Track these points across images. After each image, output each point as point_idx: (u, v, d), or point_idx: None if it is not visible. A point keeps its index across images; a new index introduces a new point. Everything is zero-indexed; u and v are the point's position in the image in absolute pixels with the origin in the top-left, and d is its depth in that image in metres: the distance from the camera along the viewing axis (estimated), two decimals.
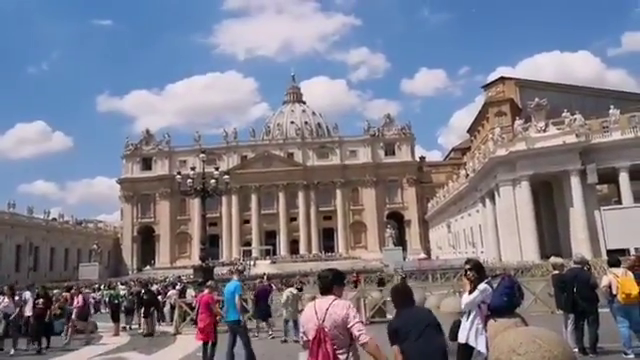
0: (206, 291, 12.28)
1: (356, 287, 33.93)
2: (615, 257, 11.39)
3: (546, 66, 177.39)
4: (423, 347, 4.92)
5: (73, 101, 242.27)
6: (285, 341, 15.33)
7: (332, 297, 4.70)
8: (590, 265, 14.78)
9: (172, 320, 20.11)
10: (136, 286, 24.97)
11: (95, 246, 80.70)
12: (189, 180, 30.69)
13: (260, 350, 12.15)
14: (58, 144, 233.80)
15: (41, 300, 15.90)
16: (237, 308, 11.04)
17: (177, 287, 24.87)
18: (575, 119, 48.59)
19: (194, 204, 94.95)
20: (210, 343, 11.42)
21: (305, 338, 4.72)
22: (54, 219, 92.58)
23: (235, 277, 12.08)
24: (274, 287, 21.92)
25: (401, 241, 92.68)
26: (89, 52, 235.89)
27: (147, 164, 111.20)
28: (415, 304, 5.57)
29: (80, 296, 17.81)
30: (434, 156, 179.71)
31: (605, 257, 34.05)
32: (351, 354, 4.63)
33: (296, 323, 14.65)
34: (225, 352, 10.90)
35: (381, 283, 35.41)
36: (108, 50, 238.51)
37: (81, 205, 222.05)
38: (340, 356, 4.46)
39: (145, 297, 19.65)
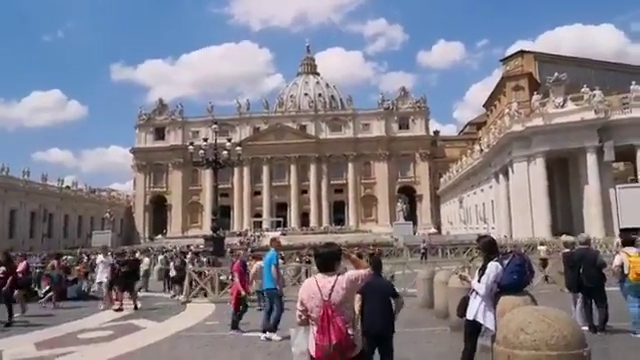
0: (238, 261, 13.59)
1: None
2: (629, 236, 11.22)
3: (567, 40, 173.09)
4: (376, 306, 6.48)
5: (88, 70, 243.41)
6: (260, 309, 15.64)
7: (335, 274, 4.62)
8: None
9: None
10: (178, 257, 25.69)
11: (108, 214, 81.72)
12: (201, 151, 30.78)
13: (220, 313, 13.65)
14: (73, 113, 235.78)
15: (2, 268, 14.59)
16: (273, 277, 11.49)
17: (188, 256, 25.13)
18: (594, 95, 47.58)
19: (206, 175, 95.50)
20: (239, 309, 12.37)
21: (303, 316, 4.64)
22: (68, 187, 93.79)
23: (272, 248, 12.31)
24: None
25: (412, 216, 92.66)
26: (104, 21, 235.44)
27: (160, 134, 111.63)
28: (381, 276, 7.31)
29: (24, 262, 17.23)
30: (449, 130, 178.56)
31: (618, 236, 33.83)
32: (357, 327, 4.61)
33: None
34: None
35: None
36: (123, 19, 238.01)
37: (95, 173, 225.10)
38: (349, 330, 4.43)
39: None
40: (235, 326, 12.24)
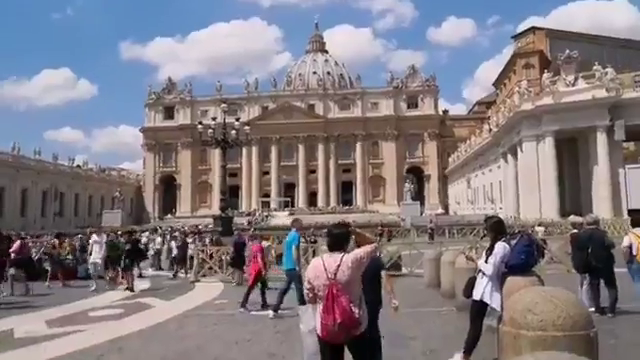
0: (256, 241, 13.98)
1: (389, 240, 34.73)
2: (639, 217, 11.13)
3: (580, 16, 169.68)
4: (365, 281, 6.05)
5: (97, 48, 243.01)
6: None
7: (341, 253, 4.64)
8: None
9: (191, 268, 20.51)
10: (179, 236, 25.63)
11: (118, 193, 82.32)
12: (210, 130, 30.82)
13: (240, 294, 13.20)
14: (83, 91, 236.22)
15: None
16: (293, 257, 11.67)
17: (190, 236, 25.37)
18: (606, 72, 46.82)
19: (215, 154, 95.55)
20: (250, 287, 12.71)
21: (311, 294, 4.69)
22: (79, 166, 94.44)
23: (294, 228, 12.42)
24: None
25: (419, 196, 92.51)
26: None
27: (169, 113, 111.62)
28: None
29: (18, 242, 17.33)
30: (458, 109, 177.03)
31: (626, 216, 33.65)
32: (363, 306, 4.66)
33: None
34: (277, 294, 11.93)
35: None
36: None
37: (106, 153, 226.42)
38: (354, 309, 4.45)
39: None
40: (244, 304, 12.36)
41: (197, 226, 45.70)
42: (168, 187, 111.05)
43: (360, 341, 4.58)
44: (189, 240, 22.88)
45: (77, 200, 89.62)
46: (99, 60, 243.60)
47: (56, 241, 20.76)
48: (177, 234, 28.08)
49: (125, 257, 17.17)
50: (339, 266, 4.52)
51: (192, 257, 20.73)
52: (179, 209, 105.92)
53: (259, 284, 12.82)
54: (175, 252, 22.39)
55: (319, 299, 4.57)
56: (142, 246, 22.99)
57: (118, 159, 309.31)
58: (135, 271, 19.01)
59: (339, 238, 4.80)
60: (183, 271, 21.56)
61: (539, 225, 31.24)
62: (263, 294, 12.70)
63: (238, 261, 17.95)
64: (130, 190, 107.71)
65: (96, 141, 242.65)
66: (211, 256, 19.88)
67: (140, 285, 17.95)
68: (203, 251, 20.14)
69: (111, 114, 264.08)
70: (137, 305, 13.84)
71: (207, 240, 23.04)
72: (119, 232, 26.32)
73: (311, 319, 4.75)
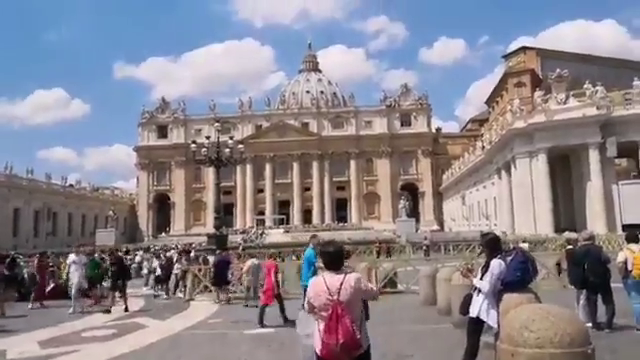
0: (270, 259, 14.24)
1: (378, 256, 34.72)
2: (633, 232, 11.18)
3: (569, 36, 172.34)
4: None
5: (90, 68, 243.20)
6: (247, 305, 16.46)
7: (342, 272, 4.64)
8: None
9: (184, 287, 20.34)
10: (163, 255, 25.11)
11: (111, 212, 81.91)
12: (204, 149, 30.83)
13: (233, 313, 13.77)
14: (76, 111, 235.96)
15: None
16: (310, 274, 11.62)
17: (192, 254, 25.00)
18: (597, 91, 47.43)
19: (209, 172, 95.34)
20: (265, 305, 12.69)
21: (309, 308, 4.67)
22: (71, 185, 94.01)
23: (311, 244, 12.45)
24: (233, 258, 22.65)
25: (414, 212, 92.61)
26: (106, 19, 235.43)
27: (163, 132, 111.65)
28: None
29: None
30: (451, 127, 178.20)
31: (620, 232, 33.77)
32: (364, 327, 4.67)
33: (256, 290, 16.50)
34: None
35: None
36: (125, 17, 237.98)
37: (99, 172, 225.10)
38: (356, 330, 4.45)
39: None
40: (261, 321, 12.42)
41: (191, 244, 45.39)
42: (162, 205, 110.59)
43: None
44: (175, 258, 22.22)
45: (70, 219, 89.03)
46: (92, 80, 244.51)
47: (36, 261, 19.95)
48: (161, 253, 27.63)
49: (110, 277, 16.78)
50: (342, 285, 4.51)
51: (176, 276, 20.47)
52: (173, 227, 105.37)
53: (276, 302, 12.90)
54: (159, 271, 21.84)
55: (319, 318, 4.54)
56: (134, 264, 22.72)
57: (111, 178, 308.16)
58: (128, 290, 18.41)
59: (336, 256, 4.78)
60: (164, 290, 21.11)
61: (523, 242, 31.20)
62: (282, 311, 12.70)
63: (220, 280, 18.16)
64: (124, 209, 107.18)
65: (89, 160, 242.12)
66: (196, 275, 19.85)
67: (132, 305, 17.75)
68: (186, 270, 19.88)
69: (104, 133, 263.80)
70: (131, 325, 13.68)
71: (194, 257, 22.27)
72: (103, 251, 25.41)
73: (310, 324, 4.74)
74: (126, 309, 16.16)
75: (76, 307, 16.30)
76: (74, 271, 16.73)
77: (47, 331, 12.94)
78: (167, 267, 21.21)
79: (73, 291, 16.61)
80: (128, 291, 17.34)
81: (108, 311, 15.86)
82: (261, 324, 12.35)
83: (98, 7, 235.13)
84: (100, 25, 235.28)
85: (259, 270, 17.39)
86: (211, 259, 21.26)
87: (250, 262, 17.61)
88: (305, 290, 11.63)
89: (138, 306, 17.71)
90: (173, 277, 20.79)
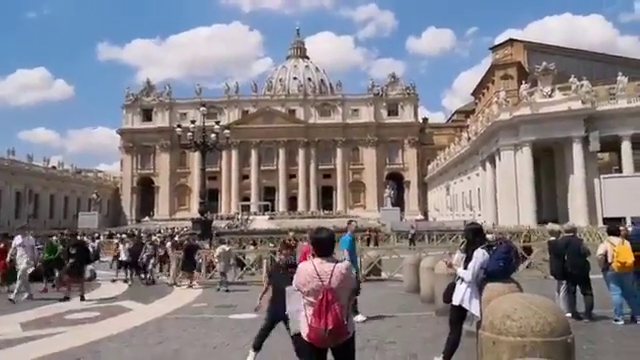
0: (305, 243, 14.12)
1: (368, 244, 34.90)
2: (614, 225, 11.40)
3: (556, 29, 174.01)
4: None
5: (74, 48, 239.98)
6: (218, 289, 16.79)
7: (333, 260, 4.67)
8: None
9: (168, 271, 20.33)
10: (133, 239, 23.79)
11: (94, 195, 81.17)
12: (189, 133, 30.54)
13: (218, 298, 13.69)
14: (59, 92, 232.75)
15: None
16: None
17: (176, 238, 24.80)
18: (582, 85, 48.00)
19: (194, 157, 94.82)
20: None
21: (298, 291, 4.69)
22: (54, 167, 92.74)
23: (349, 231, 12.11)
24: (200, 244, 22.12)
25: (399, 202, 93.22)
26: None
27: (147, 115, 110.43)
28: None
29: None
30: (437, 118, 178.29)
31: (601, 225, 34.38)
32: (350, 314, 4.74)
33: (225, 275, 17.30)
34: None
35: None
36: None
37: (82, 154, 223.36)
38: (344, 317, 4.51)
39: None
40: None
41: (173, 229, 45.31)
42: (146, 190, 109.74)
43: (346, 347, 4.63)
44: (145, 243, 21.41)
45: (52, 202, 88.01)
46: (76, 60, 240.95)
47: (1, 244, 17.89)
48: (125, 237, 26.41)
49: (69, 262, 15.30)
50: (333, 272, 4.54)
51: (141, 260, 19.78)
52: (157, 212, 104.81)
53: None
54: (123, 256, 20.39)
55: (307, 304, 4.58)
56: (91, 248, 21.95)
57: (95, 161, 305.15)
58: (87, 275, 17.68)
59: (328, 243, 4.77)
60: (129, 276, 20.06)
61: (489, 233, 31.50)
62: None
63: (188, 265, 18.43)
64: (107, 192, 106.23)
65: (72, 142, 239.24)
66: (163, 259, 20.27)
67: (113, 290, 17.67)
68: (155, 255, 20.03)
69: (88, 115, 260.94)
70: (114, 308, 13.63)
71: (168, 244, 21.59)
72: (64, 233, 24.01)
73: (298, 300, 4.77)
74: (82, 297, 14.79)
75: (20, 294, 14.67)
76: (20, 255, 15.04)
77: (26, 314, 12.83)
78: (135, 252, 19.91)
79: (18, 276, 14.92)
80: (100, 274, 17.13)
81: (67, 298, 14.82)
82: None
83: None
84: (84, 4, 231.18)
85: (230, 256, 18.27)
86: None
87: (220, 248, 18.01)
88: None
89: (120, 290, 17.63)
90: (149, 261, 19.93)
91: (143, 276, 19.83)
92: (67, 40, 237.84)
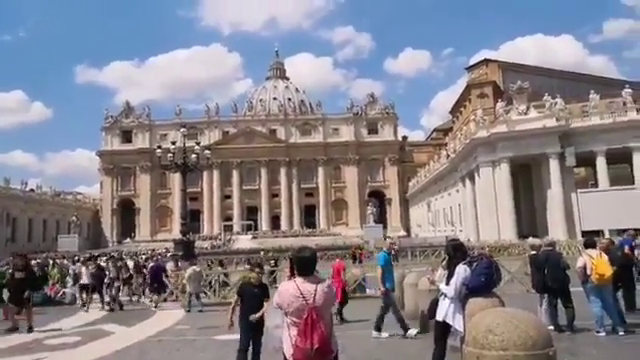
0: (338, 260, 15.39)
1: (354, 262, 34.82)
2: (591, 239, 11.66)
3: (529, 49, 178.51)
4: (252, 305, 7.83)
5: (51, 71, 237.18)
6: (189, 311, 16.85)
7: (316, 278, 4.70)
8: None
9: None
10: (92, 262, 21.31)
11: (74, 218, 79.78)
12: (169, 154, 30.39)
13: (201, 319, 13.74)
14: (37, 115, 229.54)
15: None
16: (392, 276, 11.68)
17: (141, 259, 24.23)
18: (556, 103, 49.10)
19: (175, 178, 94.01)
20: (339, 303, 13.08)
21: (282, 312, 4.70)
22: (32, 190, 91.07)
23: (385, 248, 12.51)
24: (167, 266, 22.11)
25: (382, 219, 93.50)
26: (67, 20, 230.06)
27: (127, 137, 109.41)
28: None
29: None
30: (416, 136, 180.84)
31: (580, 238, 34.94)
32: (334, 333, 4.74)
33: (198, 296, 17.42)
34: None
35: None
36: (87, 19, 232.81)
37: (61, 177, 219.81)
38: (329, 335, 4.54)
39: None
40: (341, 316, 13.20)
41: (153, 250, 44.82)
42: (127, 211, 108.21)
43: None
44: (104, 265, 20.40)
45: (31, 225, 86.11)
46: (54, 83, 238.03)
47: None
48: (87, 259, 23.49)
49: (13, 287, 13.99)
50: (316, 291, 4.56)
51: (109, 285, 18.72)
52: (138, 233, 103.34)
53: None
54: (85, 279, 18.90)
55: (291, 323, 4.59)
56: (71, 271, 21.33)
57: (74, 183, 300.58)
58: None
59: (310, 262, 4.79)
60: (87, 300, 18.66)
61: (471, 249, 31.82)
62: (341, 309, 13.37)
63: (155, 286, 18.50)
64: (87, 214, 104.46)
65: (50, 165, 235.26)
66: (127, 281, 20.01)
67: (93, 314, 17.31)
68: (118, 277, 19.10)
69: (67, 138, 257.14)
70: (96, 332, 13.40)
71: (131, 265, 21.31)
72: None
73: (277, 316, 4.79)
74: (30, 328, 13.39)
75: None
76: None
77: (4, 339, 12.53)
78: (97, 275, 18.62)
79: None
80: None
81: (15, 328, 13.59)
82: (341, 319, 13.05)
83: (58, 8, 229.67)
84: (61, 27, 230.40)
85: (200, 277, 18.23)
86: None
87: (191, 269, 17.95)
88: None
89: (100, 314, 17.31)
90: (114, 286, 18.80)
91: (108, 300, 18.55)
92: (44, 63, 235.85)
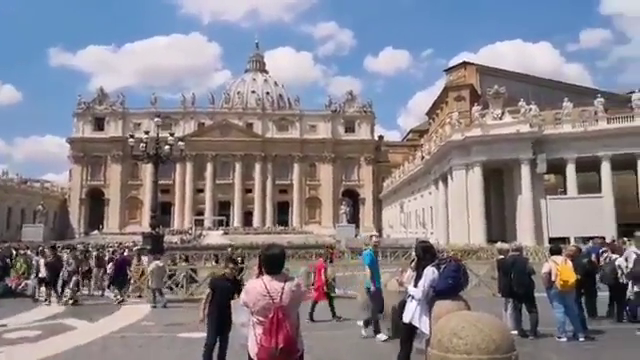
0: (321, 259, 15.27)
1: (332, 262, 34.70)
2: (557, 245, 11.86)
3: (507, 54, 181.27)
4: (224, 302, 7.81)
5: (23, 53, 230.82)
6: (154, 307, 16.64)
7: (284, 276, 4.63)
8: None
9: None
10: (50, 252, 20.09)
11: (40, 207, 77.95)
12: (142, 144, 29.75)
13: (167, 316, 13.46)
14: (6, 98, 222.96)
15: None
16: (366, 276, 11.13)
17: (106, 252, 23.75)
18: (530, 109, 49.98)
19: (147, 169, 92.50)
20: (316, 302, 13.50)
21: (248, 310, 4.62)
22: None
23: (370, 246, 11.98)
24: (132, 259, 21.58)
25: (355, 218, 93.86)
26: (42, 1, 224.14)
27: (99, 124, 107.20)
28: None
29: None
30: (393, 136, 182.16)
31: (547, 244, 35.67)
32: (300, 332, 4.68)
33: (161, 292, 17.23)
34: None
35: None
36: (63, 1, 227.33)
37: (29, 163, 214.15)
38: (295, 335, 4.48)
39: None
40: (312, 317, 13.12)
41: (120, 243, 44.10)
42: (95, 202, 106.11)
43: None
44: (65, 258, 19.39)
45: None
46: (26, 66, 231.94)
47: None
48: (47, 250, 22.33)
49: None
50: (283, 289, 4.49)
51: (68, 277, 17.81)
52: (107, 225, 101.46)
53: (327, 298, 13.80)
54: (43, 272, 18.11)
55: (257, 322, 4.51)
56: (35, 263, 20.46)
57: (42, 170, 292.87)
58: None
59: (278, 260, 4.72)
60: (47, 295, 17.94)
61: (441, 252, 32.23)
62: (332, 307, 13.68)
63: (118, 279, 18.41)
64: (54, 203, 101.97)
65: (19, 150, 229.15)
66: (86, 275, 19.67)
67: (56, 307, 16.81)
68: (78, 271, 18.33)
69: (36, 123, 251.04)
70: (57, 326, 13.05)
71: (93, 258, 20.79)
72: None
73: (244, 314, 4.72)
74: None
75: None
76: None
77: None
78: (52, 266, 17.73)
79: None
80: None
81: None
82: (311, 319, 12.95)
83: None
84: (34, 8, 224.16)
85: (164, 272, 18.04)
86: (144, 259, 20.76)
87: (154, 264, 17.67)
88: (370, 293, 10.90)
89: (62, 308, 16.87)
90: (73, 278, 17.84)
91: (64, 294, 17.68)
92: (16, 45, 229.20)
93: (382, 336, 10.51)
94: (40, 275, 18.36)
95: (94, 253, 22.50)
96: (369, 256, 11.26)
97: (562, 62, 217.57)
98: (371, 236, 13.44)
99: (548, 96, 78.89)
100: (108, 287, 20.59)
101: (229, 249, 22.87)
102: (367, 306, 11.09)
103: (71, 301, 17.37)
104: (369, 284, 11.04)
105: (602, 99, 49.08)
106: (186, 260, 25.88)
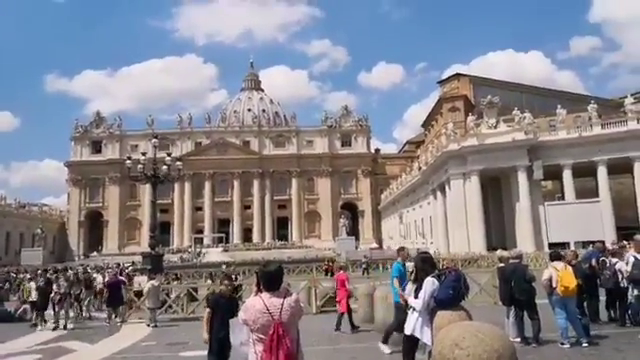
0: (341, 271, 15.22)
1: (326, 275, 34.69)
2: (557, 251, 11.83)
3: (499, 64, 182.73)
4: (222, 319, 7.50)
5: (20, 80, 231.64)
6: (156, 326, 16.59)
7: (282, 293, 4.62)
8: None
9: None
10: (41, 275, 20.31)
11: (39, 230, 77.59)
12: (140, 165, 29.81)
13: (168, 336, 13.48)
14: (4, 124, 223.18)
15: None
16: (396, 289, 10.43)
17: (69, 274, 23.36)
18: (525, 117, 50.23)
19: (145, 189, 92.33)
20: (343, 313, 13.60)
21: (247, 328, 4.61)
22: None
23: (399, 258, 11.36)
24: (125, 280, 21.37)
25: (354, 231, 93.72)
26: (37, 29, 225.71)
27: (97, 147, 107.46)
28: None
29: None
30: (389, 149, 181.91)
31: (547, 250, 35.64)
32: (300, 348, 4.68)
33: (155, 312, 17.12)
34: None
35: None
36: (58, 28, 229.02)
37: (27, 187, 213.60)
38: (295, 351, 4.47)
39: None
40: (338, 328, 13.34)
41: (119, 264, 43.89)
42: (94, 223, 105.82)
43: None
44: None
45: None
46: (23, 92, 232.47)
47: None
48: (40, 272, 22.61)
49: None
50: (282, 306, 4.49)
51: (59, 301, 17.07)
52: (106, 246, 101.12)
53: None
54: (34, 296, 17.92)
55: (257, 339, 4.50)
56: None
57: (41, 194, 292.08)
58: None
59: (277, 276, 4.70)
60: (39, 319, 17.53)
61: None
62: (350, 318, 13.71)
63: (113, 300, 18.20)
64: (53, 227, 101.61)
65: (16, 175, 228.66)
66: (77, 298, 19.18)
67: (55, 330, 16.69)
68: (70, 293, 17.78)
69: (34, 148, 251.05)
70: (57, 349, 12.94)
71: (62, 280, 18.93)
72: None
73: (243, 333, 4.69)
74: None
75: None
76: None
77: None
78: (45, 291, 17.41)
79: None
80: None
81: None
82: (338, 330, 13.30)
83: (29, 16, 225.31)
84: (31, 35, 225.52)
85: (159, 292, 17.95)
86: (139, 279, 20.67)
87: (150, 284, 17.65)
88: (398, 309, 10.09)
89: (62, 332, 16.73)
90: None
91: (55, 318, 17.08)
92: (13, 72, 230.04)
93: (387, 349, 10.35)
94: (30, 299, 18.40)
95: (83, 275, 22.02)
96: (397, 269, 10.82)
97: (554, 70, 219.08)
98: (400, 248, 12.50)
99: (541, 104, 79.46)
100: (97, 308, 20.49)
101: (224, 266, 22.83)
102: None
103: (62, 325, 16.81)
104: (398, 297, 10.35)
105: (595, 105, 49.40)
106: (177, 279, 25.68)
